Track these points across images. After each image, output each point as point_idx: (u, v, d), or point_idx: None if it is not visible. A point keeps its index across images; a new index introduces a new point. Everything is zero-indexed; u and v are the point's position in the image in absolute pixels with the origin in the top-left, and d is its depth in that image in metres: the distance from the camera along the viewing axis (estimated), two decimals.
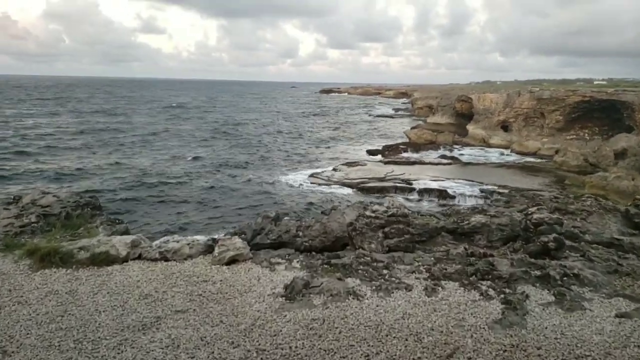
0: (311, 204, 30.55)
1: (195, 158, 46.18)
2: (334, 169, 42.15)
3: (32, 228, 9.50)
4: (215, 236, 9.55)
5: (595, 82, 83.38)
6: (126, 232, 9.95)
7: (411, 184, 36.02)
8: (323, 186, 36.05)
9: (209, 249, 8.20)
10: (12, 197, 11.58)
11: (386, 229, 9.28)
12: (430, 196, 33.48)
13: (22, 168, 37.59)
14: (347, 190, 34.85)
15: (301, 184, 36.91)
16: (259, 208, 27.93)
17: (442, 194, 33.30)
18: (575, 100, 51.02)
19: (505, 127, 57.16)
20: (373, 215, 9.51)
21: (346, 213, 9.78)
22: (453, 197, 32.72)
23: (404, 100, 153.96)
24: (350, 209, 9.99)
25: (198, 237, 8.81)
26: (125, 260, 7.89)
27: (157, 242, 8.34)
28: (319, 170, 41.61)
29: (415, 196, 33.69)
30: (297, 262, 8.10)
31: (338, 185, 36.17)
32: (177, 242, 8.16)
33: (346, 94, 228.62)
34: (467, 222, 9.88)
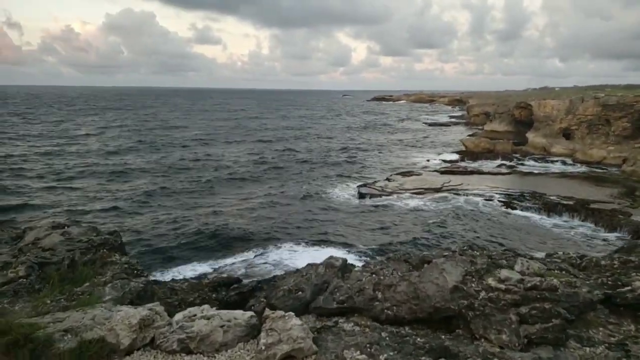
0: (368, 222, 30.53)
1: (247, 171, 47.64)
2: (388, 179, 42.06)
3: (18, 286, 7.17)
4: (257, 305, 8.01)
5: None
6: (143, 294, 7.86)
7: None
8: (381, 197, 35.94)
9: (251, 330, 5.88)
10: (16, 230, 9.76)
11: (523, 309, 6.26)
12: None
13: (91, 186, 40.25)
14: (412, 202, 34.43)
15: (354, 196, 37.08)
16: (312, 224, 28.22)
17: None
18: None
19: (567, 135, 54.83)
20: (502, 287, 6.49)
21: (446, 270, 6.97)
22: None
23: (459, 107, 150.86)
24: (452, 264, 7.11)
25: (237, 312, 6.12)
26: (129, 351, 5.45)
27: (179, 316, 5.94)
28: (372, 180, 41.70)
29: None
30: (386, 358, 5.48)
31: (395, 196, 35.98)
32: (207, 319, 5.87)
33: (400, 101, 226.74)
34: (629, 288, 6.86)
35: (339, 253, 22.85)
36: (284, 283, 8.09)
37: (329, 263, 8.22)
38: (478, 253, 7.59)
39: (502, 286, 6.49)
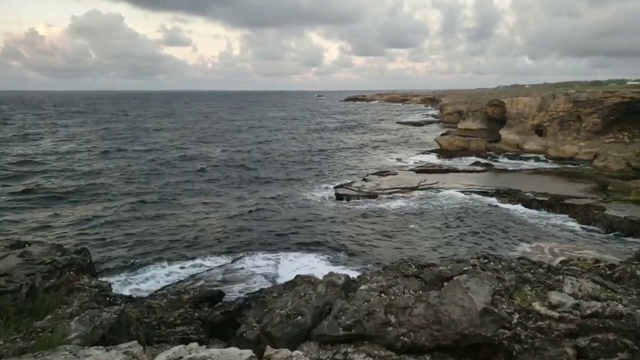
0: (349, 225, 29.89)
1: (213, 173, 46.41)
2: (364, 179, 41.57)
3: None
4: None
5: (628, 83, 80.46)
6: (117, 327, 6.48)
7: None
8: (359, 199, 35.31)
9: None
10: None
11: (581, 342, 5.10)
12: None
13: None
14: (392, 203, 33.99)
15: (331, 198, 36.38)
16: (289, 228, 27.30)
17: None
18: (615, 101, 49.04)
19: (539, 131, 55.45)
20: (554, 315, 5.26)
21: (471, 289, 5.79)
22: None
23: (431, 106, 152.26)
24: (477, 282, 5.92)
25: (232, 352, 4.67)
26: None
27: (162, 357, 4.55)
28: (348, 181, 41.08)
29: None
30: None
31: (375, 198, 35.38)
32: None
33: (374, 101, 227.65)
34: None
35: (320, 259, 22.16)
36: (278, 304, 7.11)
37: (330, 281, 7.00)
38: (501, 266, 6.55)
39: (555, 314, 5.23)
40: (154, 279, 19.92)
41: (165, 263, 21.76)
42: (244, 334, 6.82)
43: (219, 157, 54.73)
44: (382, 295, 6.18)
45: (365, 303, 6.13)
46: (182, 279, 19.77)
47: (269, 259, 22.55)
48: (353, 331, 6.00)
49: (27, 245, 8.38)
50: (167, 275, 20.37)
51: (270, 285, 17.65)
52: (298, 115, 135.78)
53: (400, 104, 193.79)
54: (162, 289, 17.99)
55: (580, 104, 51.44)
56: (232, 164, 50.52)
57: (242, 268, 21.26)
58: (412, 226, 27.70)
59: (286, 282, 8.12)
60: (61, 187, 37.50)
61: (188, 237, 25.53)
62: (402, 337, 5.88)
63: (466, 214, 29.84)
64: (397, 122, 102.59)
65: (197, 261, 22.08)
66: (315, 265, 20.87)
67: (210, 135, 79.12)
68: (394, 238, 25.53)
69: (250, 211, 31.20)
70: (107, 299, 7.32)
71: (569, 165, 45.93)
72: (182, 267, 21.31)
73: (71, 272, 7.73)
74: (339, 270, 20.33)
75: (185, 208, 32.05)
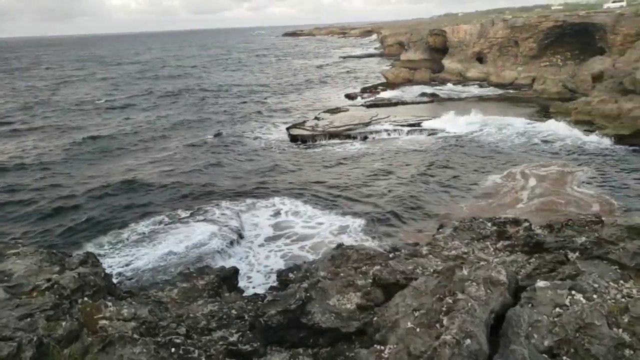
0: (310, 166, 29.74)
1: (154, 116, 44.38)
2: (316, 118, 41.28)
3: None
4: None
5: (552, 7, 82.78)
6: None
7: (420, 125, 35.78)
8: (315, 140, 35.17)
9: None
10: None
11: None
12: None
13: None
14: (350, 141, 34.19)
15: (281, 137, 36.05)
16: (251, 175, 26.60)
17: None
18: (548, 25, 50.67)
19: (480, 59, 56.73)
20: None
21: None
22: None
23: (371, 38, 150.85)
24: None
25: None
26: None
27: None
28: (300, 121, 40.67)
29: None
30: None
31: (328, 137, 35.32)
32: None
33: (313, 35, 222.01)
34: None
35: (297, 211, 21.76)
36: (389, 312, 4.76)
37: (489, 278, 4.49)
38: None
39: None
40: (135, 257, 17.51)
41: (133, 228, 20.15)
42: None
43: (157, 108, 52.11)
44: (574, 294, 4.17)
45: (557, 309, 4.03)
46: (167, 251, 17.63)
47: (246, 209, 22.08)
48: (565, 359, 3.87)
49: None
50: (146, 244, 18.35)
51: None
52: (237, 54, 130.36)
53: (340, 37, 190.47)
54: (152, 269, 16.26)
55: (517, 30, 52.75)
56: (175, 113, 48.32)
57: (226, 226, 19.84)
58: (378, 165, 27.95)
59: (333, 256, 6.54)
60: None
61: (141, 198, 24.06)
62: None
63: (424, 151, 30.53)
64: (340, 57, 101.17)
65: (166, 224, 20.46)
66: (299, 221, 20.70)
67: (145, 82, 74.57)
68: (366, 181, 25.49)
69: (205, 161, 30.19)
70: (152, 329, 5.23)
71: (510, 91, 47.63)
72: (154, 234, 19.43)
73: (86, 299, 5.34)
74: (327, 220, 20.56)
75: (128, 165, 29.95)
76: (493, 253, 5.78)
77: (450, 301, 4.10)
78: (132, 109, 49.69)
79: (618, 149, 27.95)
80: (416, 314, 4.23)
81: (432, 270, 5.23)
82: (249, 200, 22.89)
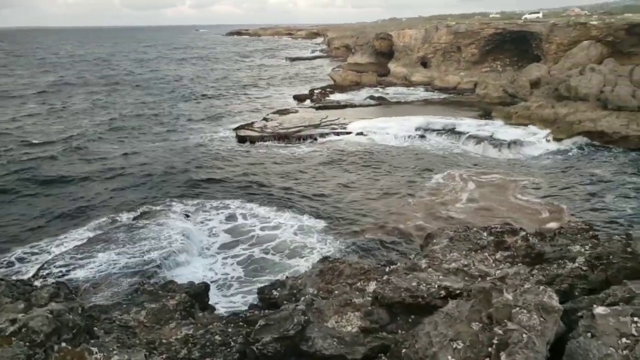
0: (258, 168, 29.04)
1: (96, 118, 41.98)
2: (265, 119, 40.53)
3: None
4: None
5: (490, 16, 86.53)
6: None
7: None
8: (264, 141, 34.42)
9: None
10: None
11: None
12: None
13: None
14: (298, 144, 33.65)
15: (229, 138, 35.07)
16: (198, 178, 25.65)
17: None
18: (489, 32, 52.63)
19: (425, 63, 58.01)
20: None
21: None
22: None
23: (317, 40, 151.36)
24: None
25: None
26: None
27: None
28: (248, 122, 39.73)
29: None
30: None
31: (275, 139, 34.66)
32: None
33: (258, 36, 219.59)
34: None
35: (249, 210, 21.17)
36: (410, 342, 4.05)
37: (542, 304, 3.74)
38: None
39: None
40: (72, 268, 15.79)
41: (70, 235, 18.80)
42: None
43: (91, 110, 49.31)
44: (636, 321, 3.57)
45: (624, 339, 3.49)
46: (109, 259, 16.00)
47: (196, 210, 21.16)
48: None
49: None
50: (85, 253, 16.61)
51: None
52: (179, 53, 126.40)
53: (286, 38, 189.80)
54: (94, 281, 14.60)
55: (460, 36, 54.38)
56: (113, 115, 45.86)
57: (169, 234, 18.19)
58: (329, 166, 27.84)
59: (317, 270, 5.95)
60: None
61: (79, 201, 22.55)
62: None
63: (372, 152, 30.65)
64: (287, 58, 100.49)
65: (108, 229, 19.06)
66: (256, 223, 20.06)
67: (78, 82, 70.48)
68: (319, 181, 25.36)
69: (150, 165, 28.69)
70: None
71: (454, 95, 48.97)
72: (94, 241, 17.76)
73: (64, 345, 4.28)
74: (280, 220, 19.99)
75: (63, 175, 27.95)
76: (493, 265, 5.47)
77: (501, 332, 3.52)
78: (68, 110, 46.56)
79: (558, 152, 29.21)
80: (454, 346, 3.67)
81: (437, 286, 4.76)
82: (199, 204, 21.95)
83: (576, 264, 5.11)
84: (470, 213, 20.10)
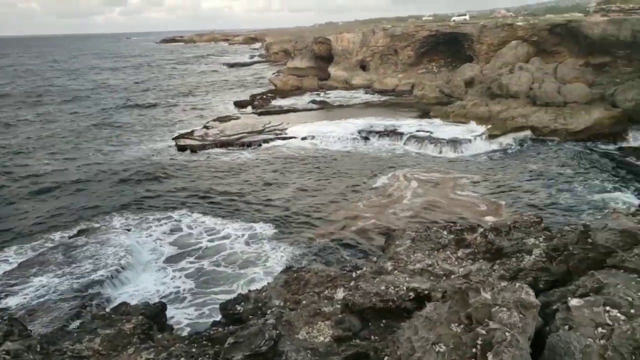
0: (206, 178, 28.18)
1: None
2: (206, 127, 39.57)
3: None
4: None
5: (423, 18, 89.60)
6: None
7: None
8: (207, 149, 33.52)
9: None
10: None
11: None
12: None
13: None
14: (242, 150, 32.98)
15: (168, 148, 33.89)
16: (138, 191, 24.69)
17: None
18: (424, 35, 54.33)
19: (364, 66, 58.98)
20: None
21: None
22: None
23: (256, 45, 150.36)
24: None
25: None
26: None
27: None
28: (188, 130, 38.61)
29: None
30: None
31: (223, 147, 33.86)
32: None
33: (194, 42, 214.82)
34: None
35: (194, 221, 20.53)
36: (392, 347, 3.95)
37: (520, 301, 3.70)
38: None
39: None
40: (15, 295, 14.44)
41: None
42: None
43: (21, 124, 46.20)
44: (609, 310, 3.65)
45: (599, 329, 3.52)
46: (46, 282, 14.81)
47: (138, 225, 20.14)
48: None
49: None
50: (17, 277, 15.38)
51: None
52: (112, 62, 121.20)
53: (223, 44, 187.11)
54: (31, 307, 13.35)
55: (396, 38, 55.77)
56: (46, 127, 43.15)
57: (114, 250, 17.33)
58: (274, 172, 27.50)
59: (284, 280, 5.72)
60: None
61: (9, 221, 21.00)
62: None
63: (317, 156, 30.64)
64: (225, 64, 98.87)
65: (44, 250, 17.92)
66: (202, 233, 19.39)
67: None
68: (264, 188, 24.95)
69: (87, 178, 27.20)
70: None
71: (393, 97, 50.05)
72: (29, 263, 16.59)
73: None
74: (230, 228, 19.41)
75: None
76: (456, 263, 5.44)
77: (484, 332, 3.42)
78: None
79: (494, 150, 30.45)
80: (437, 349, 3.54)
81: (405, 288, 4.63)
82: (141, 217, 20.98)
83: (536, 257, 5.18)
84: (416, 209, 20.70)
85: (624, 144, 30.05)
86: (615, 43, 37.09)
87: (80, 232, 19.38)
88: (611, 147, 29.58)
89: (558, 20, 45.29)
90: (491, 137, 31.91)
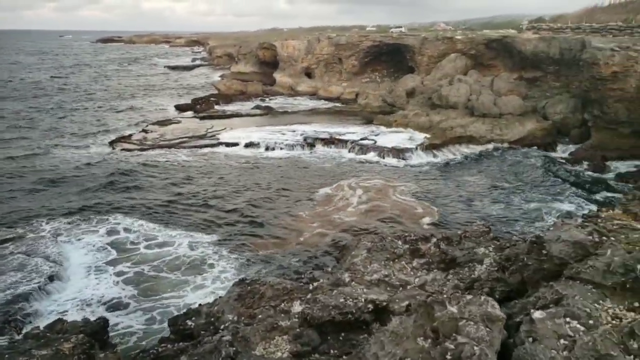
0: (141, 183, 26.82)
1: None
2: (144, 131, 38.01)
3: None
4: None
5: (367, 29, 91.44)
6: None
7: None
8: (147, 151, 32.07)
9: None
10: None
11: None
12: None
13: None
14: (180, 155, 31.73)
15: (104, 152, 32.11)
16: (63, 196, 23.18)
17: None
18: (368, 44, 55.32)
19: (309, 74, 59.10)
20: None
21: None
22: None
23: (198, 48, 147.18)
24: None
25: None
26: None
27: None
28: (126, 134, 36.82)
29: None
30: None
31: (163, 150, 32.53)
32: None
33: (133, 43, 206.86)
34: None
35: (133, 226, 19.41)
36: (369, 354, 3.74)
37: (487, 315, 3.64)
38: None
39: None
40: None
41: None
42: None
43: None
44: (569, 322, 3.61)
45: (562, 341, 3.47)
46: None
47: (77, 231, 18.66)
48: None
49: None
50: None
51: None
52: (40, 61, 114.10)
53: (164, 46, 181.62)
54: None
55: (341, 47, 56.39)
56: None
57: (43, 259, 16.18)
58: (217, 178, 26.69)
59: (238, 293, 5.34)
60: None
61: None
62: None
63: (261, 163, 30.09)
64: (166, 66, 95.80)
65: None
66: (140, 239, 18.30)
67: None
68: (206, 194, 24.11)
69: (16, 183, 25.12)
70: None
71: (338, 104, 50.40)
72: None
73: None
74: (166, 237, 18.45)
75: None
76: (412, 273, 5.29)
77: (452, 346, 3.29)
78: None
79: (434, 159, 31.18)
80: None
81: (363, 300, 4.38)
82: (73, 222, 19.63)
83: (487, 267, 5.12)
84: (361, 214, 20.81)
85: (553, 154, 31.86)
86: (546, 59, 39.40)
87: (2, 242, 17.79)
88: (543, 157, 31.20)
89: (494, 35, 47.58)
90: (432, 146, 32.71)
